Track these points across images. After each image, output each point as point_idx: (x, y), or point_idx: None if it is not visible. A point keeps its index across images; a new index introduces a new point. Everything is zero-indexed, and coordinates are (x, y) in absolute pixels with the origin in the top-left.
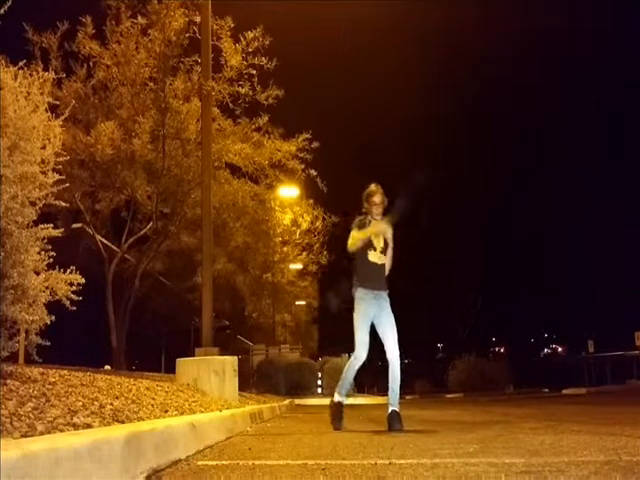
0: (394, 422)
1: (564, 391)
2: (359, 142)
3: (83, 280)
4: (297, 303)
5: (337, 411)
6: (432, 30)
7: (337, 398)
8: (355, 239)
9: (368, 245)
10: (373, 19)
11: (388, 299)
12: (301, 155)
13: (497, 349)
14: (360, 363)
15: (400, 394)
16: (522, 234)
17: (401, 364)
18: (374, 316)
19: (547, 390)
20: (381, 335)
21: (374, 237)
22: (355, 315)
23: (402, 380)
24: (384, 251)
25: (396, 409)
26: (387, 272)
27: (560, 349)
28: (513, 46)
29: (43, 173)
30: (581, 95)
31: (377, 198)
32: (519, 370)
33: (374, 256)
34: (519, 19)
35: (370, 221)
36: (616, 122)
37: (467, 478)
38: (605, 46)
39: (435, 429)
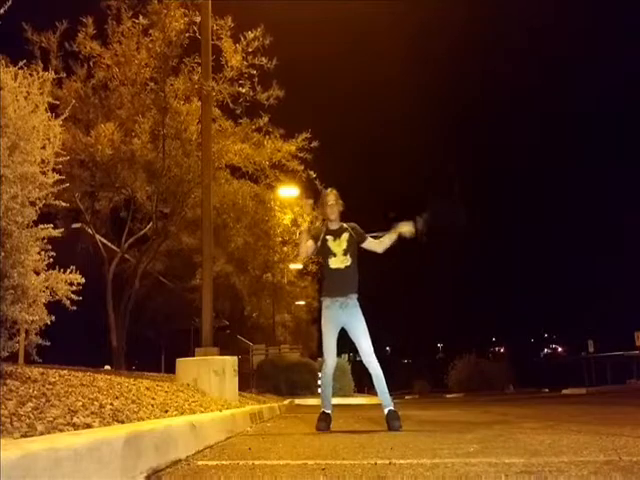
0: (393, 421)
1: (564, 391)
2: (359, 141)
3: (83, 280)
4: (297, 303)
5: (321, 418)
6: (432, 29)
7: (322, 410)
8: (299, 248)
9: (327, 253)
10: (373, 18)
11: (357, 303)
12: (301, 155)
13: (497, 349)
14: (331, 371)
15: (394, 394)
16: (523, 234)
17: (401, 364)
18: (344, 323)
19: (547, 390)
20: (354, 340)
21: (331, 243)
22: (322, 324)
23: (400, 381)
24: (348, 251)
25: (392, 408)
26: (382, 249)
27: (560, 349)
28: (513, 45)
29: (43, 173)
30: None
31: (330, 198)
32: (519, 370)
33: (335, 262)
34: (519, 18)
35: (326, 229)
36: (617, 122)
37: (467, 478)
38: (605, 46)
39: (435, 429)
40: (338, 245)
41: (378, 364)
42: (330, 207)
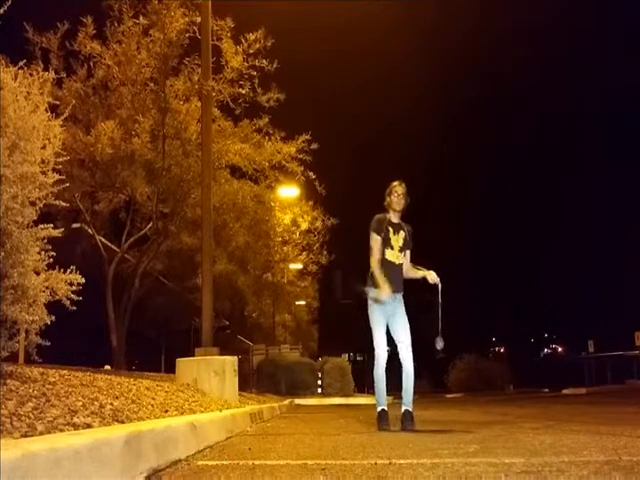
0: (407, 422)
1: (564, 391)
2: (359, 142)
3: (83, 280)
4: (297, 303)
5: (381, 416)
6: (432, 28)
7: (378, 409)
8: (373, 264)
9: (385, 243)
10: (373, 19)
11: (402, 300)
12: (300, 157)
13: (497, 349)
14: (383, 364)
15: (394, 394)
16: (522, 234)
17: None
18: (390, 315)
19: (547, 390)
20: (394, 336)
21: (392, 234)
22: (370, 316)
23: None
24: (403, 249)
25: (409, 409)
26: (408, 274)
27: (560, 349)
28: (514, 45)
29: (43, 173)
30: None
31: (399, 189)
32: (519, 370)
33: (391, 255)
34: (519, 18)
35: (388, 219)
36: (617, 122)
37: (467, 478)
38: (608, 45)
39: (435, 429)
40: (396, 240)
41: (412, 362)
42: (398, 197)
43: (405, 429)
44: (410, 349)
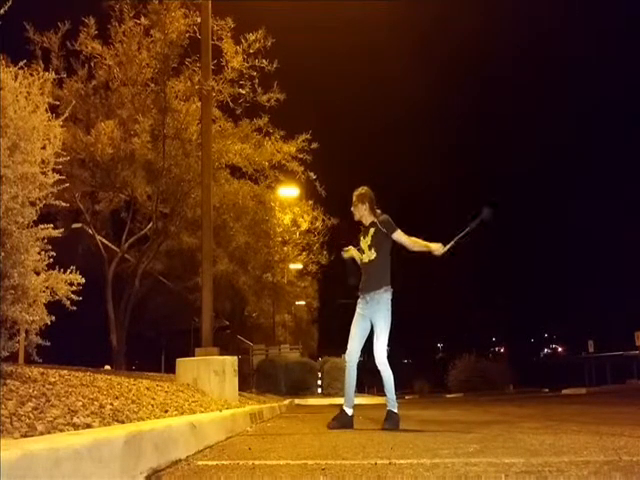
0: (385, 421)
1: (564, 391)
2: (359, 142)
3: (83, 280)
4: (297, 303)
5: (337, 417)
6: (432, 30)
7: (344, 409)
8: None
9: (360, 251)
10: (373, 19)
11: (383, 298)
12: (300, 156)
13: (497, 349)
14: (351, 365)
15: (397, 394)
16: (522, 234)
17: (401, 364)
18: (370, 318)
19: (547, 390)
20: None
21: (362, 241)
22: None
23: (400, 380)
24: (372, 245)
25: (392, 409)
26: (415, 247)
27: (560, 349)
28: (514, 46)
29: (43, 173)
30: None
31: (353, 201)
32: (519, 370)
33: (363, 258)
34: (520, 19)
35: (362, 230)
36: (615, 120)
37: (467, 478)
38: (604, 45)
39: (435, 429)
40: (365, 242)
41: (387, 365)
42: (353, 209)
43: (384, 428)
44: (384, 354)
